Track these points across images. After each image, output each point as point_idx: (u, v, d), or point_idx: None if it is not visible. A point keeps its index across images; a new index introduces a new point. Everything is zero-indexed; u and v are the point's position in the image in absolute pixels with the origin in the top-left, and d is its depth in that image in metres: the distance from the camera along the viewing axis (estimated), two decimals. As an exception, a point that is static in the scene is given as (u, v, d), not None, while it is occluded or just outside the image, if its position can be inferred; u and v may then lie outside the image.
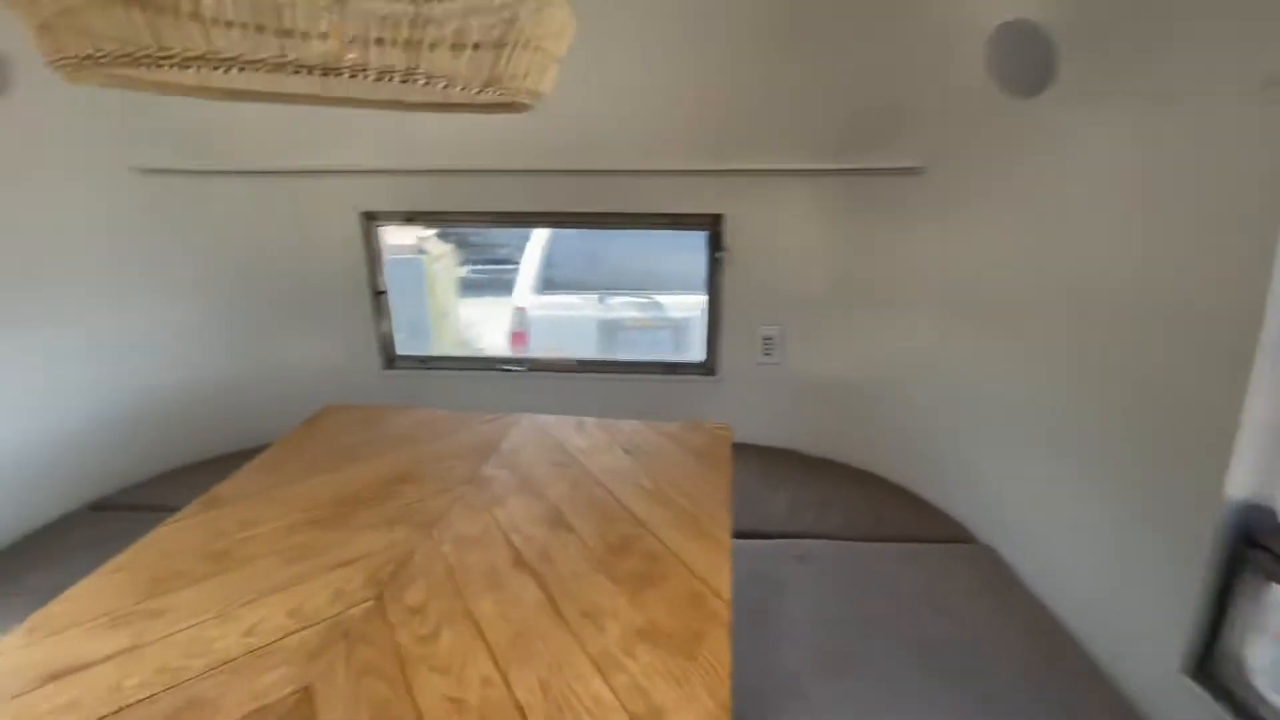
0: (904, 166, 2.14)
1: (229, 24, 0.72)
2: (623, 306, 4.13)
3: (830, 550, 1.95)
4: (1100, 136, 1.54)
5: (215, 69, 0.71)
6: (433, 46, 0.80)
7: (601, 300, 4.13)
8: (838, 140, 2.21)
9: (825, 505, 2.21)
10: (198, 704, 0.94)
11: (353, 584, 1.18)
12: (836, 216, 2.37)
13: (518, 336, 4.11)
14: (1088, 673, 1.53)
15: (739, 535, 1.91)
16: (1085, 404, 1.63)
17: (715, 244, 2.48)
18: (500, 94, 0.91)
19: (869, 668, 1.53)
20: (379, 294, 2.63)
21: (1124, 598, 1.51)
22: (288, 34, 0.74)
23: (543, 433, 1.75)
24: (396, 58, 0.78)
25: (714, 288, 2.54)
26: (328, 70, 0.75)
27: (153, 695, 0.95)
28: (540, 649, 1.04)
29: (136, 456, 2.34)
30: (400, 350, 2.77)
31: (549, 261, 4.24)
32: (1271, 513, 1.22)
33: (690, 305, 3.94)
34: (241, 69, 0.72)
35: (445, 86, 0.83)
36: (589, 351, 3.95)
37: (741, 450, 2.41)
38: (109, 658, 1.02)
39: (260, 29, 0.73)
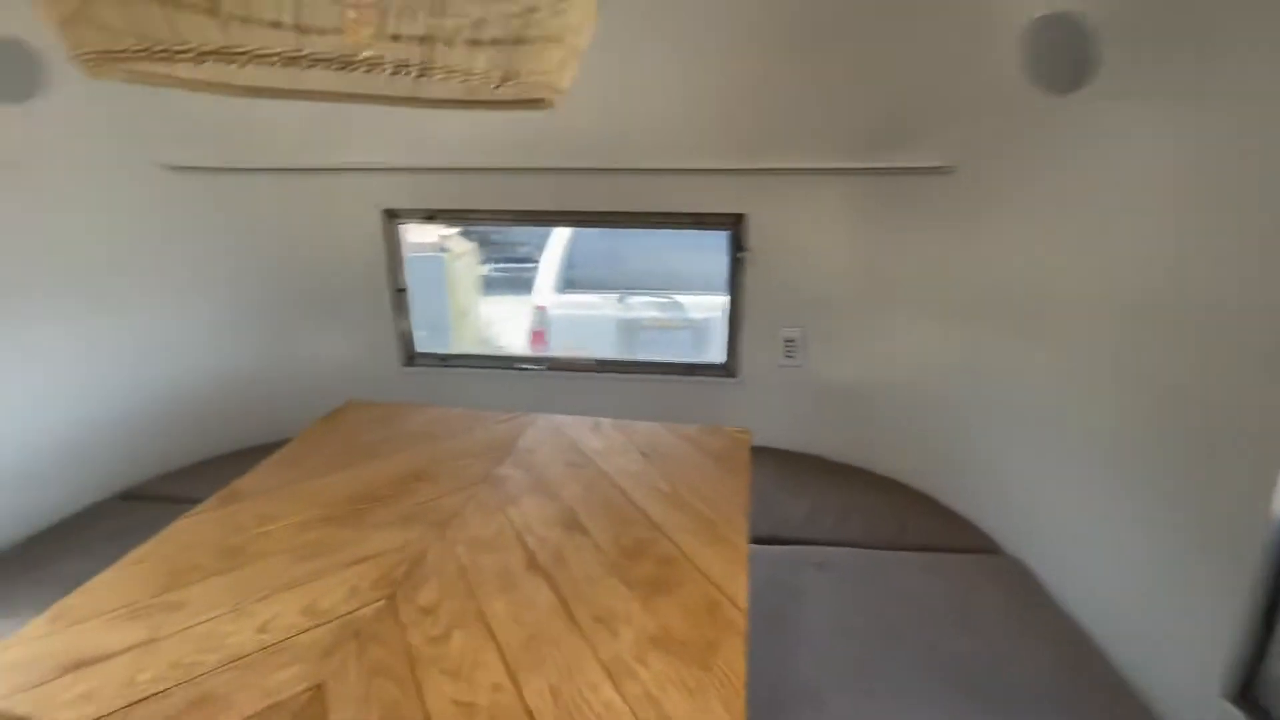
0: (933, 165, 2.08)
1: (245, 19, 0.72)
2: (643, 306, 4.11)
3: (851, 558, 1.91)
4: (1141, 135, 1.47)
5: (230, 63, 0.71)
6: (449, 42, 0.79)
7: (622, 300, 4.12)
8: (864, 139, 2.16)
9: (847, 512, 2.17)
10: (210, 700, 0.94)
11: (366, 582, 1.18)
12: (862, 216, 2.31)
13: (537, 335, 4.12)
14: (1119, 694, 1.47)
15: (757, 540, 1.88)
16: (1121, 412, 1.56)
17: (737, 244, 2.45)
18: (520, 89, 0.89)
19: (889, 681, 1.48)
20: (399, 291, 2.65)
21: (1161, 616, 1.44)
22: (303, 29, 0.73)
23: (558, 433, 1.74)
24: (412, 52, 0.76)
25: (735, 288, 2.51)
26: (343, 64, 0.74)
27: (166, 690, 0.95)
28: (552, 653, 1.02)
29: (166, 448, 2.38)
30: (420, 348, 2.78)
31: (570, 260, 4.24)
32: (1323, 532, 1.16)
33: (711, 306, 3.91)
34: (256, 63, 0.71)
35: (463, 80, 0.82)
36: (609, 351, 3.94)
37: (761, 454, 2.37)
38: (125, 650, 1.03)
39: (276, 25, 0.73)
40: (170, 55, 0.71)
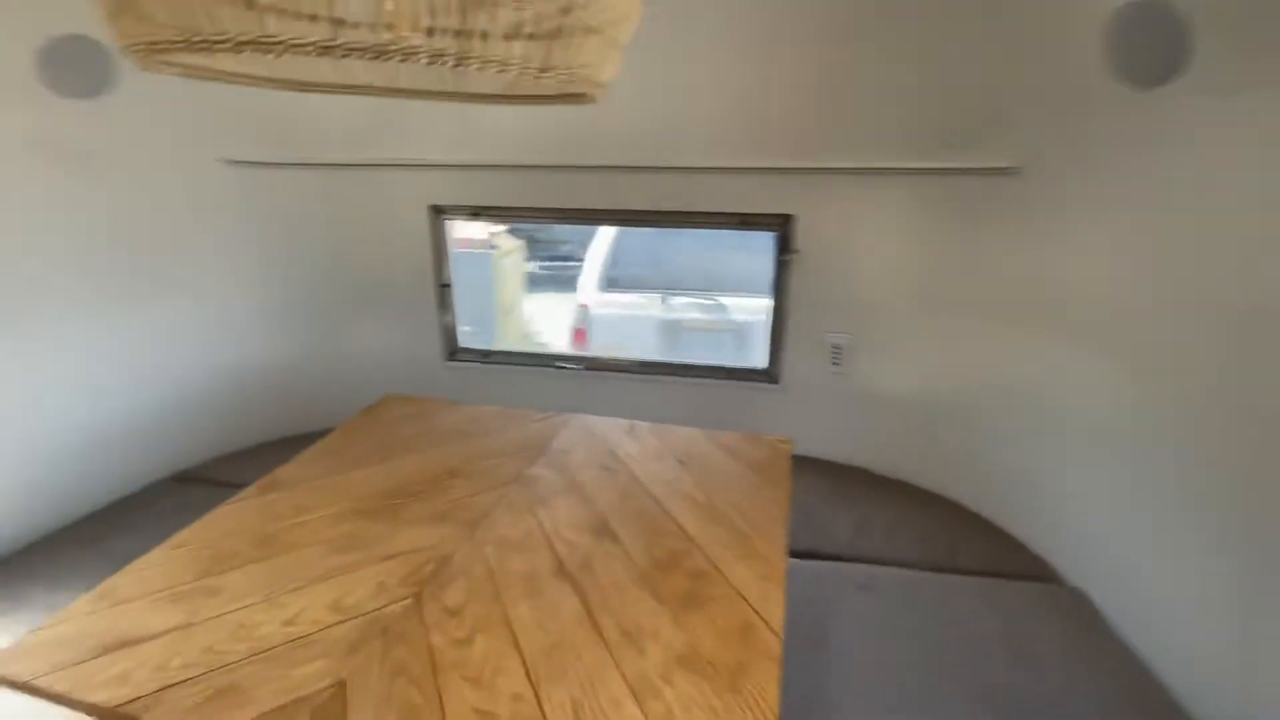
0: (997, 166, 1.96)
1: (282, 11, 0.71)
2: (685, 307, 4.05)
3: (896, 579, 1.81)
4: (1237, 132, 1.33)
5: (267, 53, 0.70)
6: (485, 35, 0.77)
7: (664, 300, 4.07)
8: (922, 138, 2.05)
9: (893, 529, 2.06)
10: (236, 690, 0.94)
11: (394, 579, 1.17)
12: (917, 219, 2.20)
13: (579, 334, 4.11)
14: (1193, 744, 1.34)
15: (796, 554, 1.81)
16: (1203, 436, 1.43)
17: (784, 245, 2.37)
18: (560, 81, 0.86)
19: (933, 715, 1.39)
20: (444, 287, 2.68)
21: (1247, 661, 1.31)
22: (339, 21, 0.72)
23: (592, 435, 1.71)
24: (448, 42, 0.74)
25: (780, 291, 2.43)
26: (378, 53, 0.72)
27: (195, 677, 0.96)
28: (575, 665, 0.99)
29: (219, 432, 2.47)
30: (463, 343, 2.81)
31: (614, 259, 4.22)
32: None
33: (755, 309, 3.82)
34: (292, 53, 0.70)
35: (500, 71, 0.79)
36: (650, 352, 3.90)
37: (804, 464, 2.30)
38: (162, 634, 1.05)
39: (314, 18, 0.72)
40: (209, 45, 0.71)
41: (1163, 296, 1.54)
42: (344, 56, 0.72)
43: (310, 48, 0.70)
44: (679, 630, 1.06)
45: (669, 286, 4.10)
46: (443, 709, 0.91)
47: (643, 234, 4.28)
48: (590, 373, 2.70)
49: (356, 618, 1.08)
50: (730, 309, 4.00)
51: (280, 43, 0.69)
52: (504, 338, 4.93)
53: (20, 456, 1.89)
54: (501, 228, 5.09)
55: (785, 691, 0.96)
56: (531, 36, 0.79)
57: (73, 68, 1.79)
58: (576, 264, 4.54)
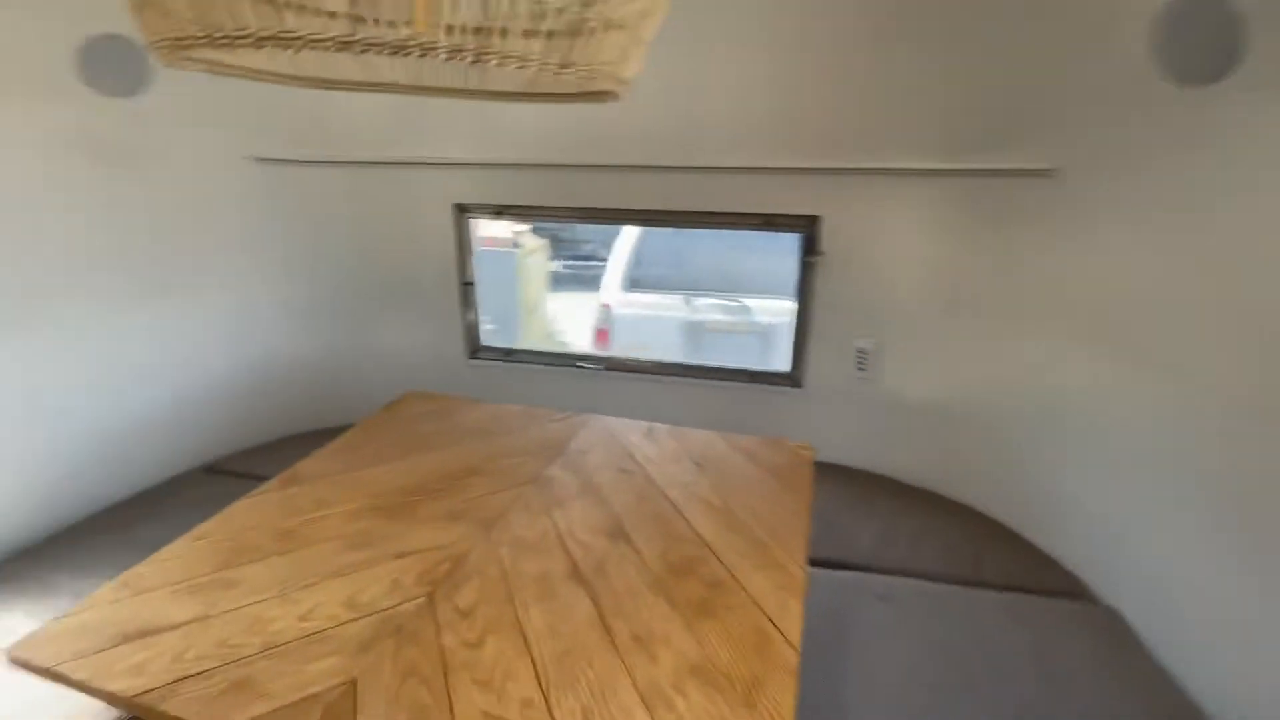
0: (1034, 168, 1.89)
1: (301, 7, 0.71)
2: (708, 308, 4.02)
3: (919, 591, 1.76)
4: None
5: (287, 48, 0.70)
6: (504, 32, 0.76)
7: (687, 301, 4.05)
8: (955, 137, 1.99)
9: (917, 540, 2.01)
10: (248, 685, 0.95)
11: (408, 578, 1.17)
12: (948, 222, 2.14)
13: (601, 334, 4.10)
14: (1236, 778, 1.27)
15: (816, 563, 1.77)
16: (1247, 453, 1.36)
17: (809, 247, 2.32)
18: (581, 77, 0.85)
19: (956, 732, 1.35)
20: (467, 285, 2.69)
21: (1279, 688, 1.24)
22: (359, 19, 0.71)
23: (611, 436, 1.69)
24: (467, 37, 0.73)
25: (805, 294, 2.39)
26: (397, 49, 0.71)
27: (209, 670, 0.97)
28: (586, 671, 0.97)
29: (245, 425, 2.51)
30: (485, 341, 2.82)
31: (637, 259, 4.20)
32: None
33: (778, 311, 3.77)
34: (312, 48, 0.70)
35: (519, 67, 0.78)
36: (672, 353, 3.87)
37: (825, 470, 2.25)
38: (180, 625, 1.06)
39: (332, 15, 0.71)
40: (231, 41, 0.71)
41: (1208, 306, 1.47)
42: (363, 52, 0.71)
43: (329, 43, 0.70)
44: (693, 639, 1.03)
45: (692, 287, 4.07)
46: (452, 711, 0.91)
47: (666, 234, 4.25)
48: (611, 373, 2.68)
49: (370, 615, 1.08)
50: (754, 311, 3.95)
51: (300, 38, 0.69)
52: (527, 336, 4.94)
53: (53, 446, 1.95)
54: (526, 227, 5.11)
55: (801, 705, 0.93)
56: (550, 34, 0.78)
57: (111, 66, 1.83)
58: (600, 263, 4.54)
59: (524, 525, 1.33)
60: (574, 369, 2.72)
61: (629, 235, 4.28)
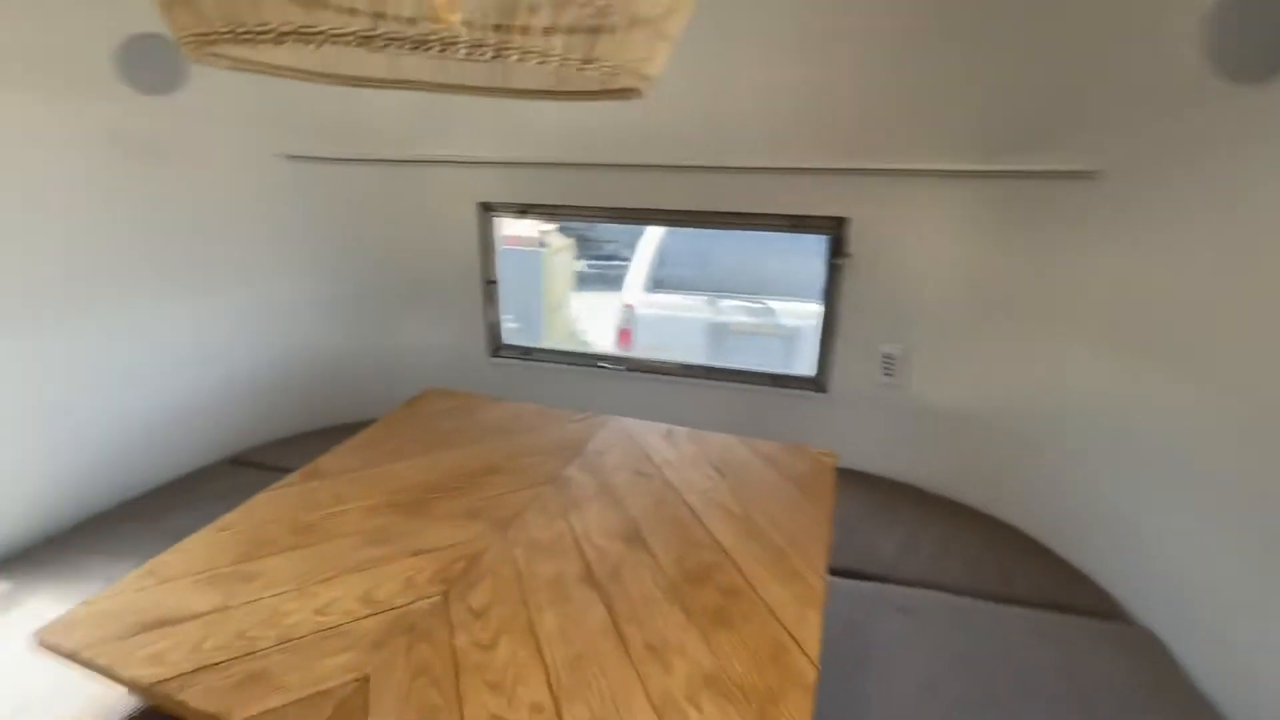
0: (1074, 170, 1.82)
1: (324, 4, 0.71)
2: (732, 310, 3.98)
3: (943, 605, 1.71)
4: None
5: (308, 43, 0.69)
6: (525, 29, 0.75)
7: (711, 302, 4.01)
8: (990, 138, 1.93)
9: (942, 551, 1.95)
10: (264, 677, 0.95)
11: (423, 576, 1.17)
12: (981, 224, 2.08)
13: (624, 334, 4.09)
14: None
15: (836, 572, 1.73)
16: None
17: (836, 249, 2.28)
18: (605, 74, 0.83)
19: (980, 754, 1.30)
20: (490, 283, 2.70)
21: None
22: (380, 15, 0.71)
23: (629, 438, 1.68)
24: (488, 33, 0.72)
25: (831, 297, 2.34)
26: (418, 44, 0.71)
27: (226, 661, 0.97)
28: (598, 679, 0.96)
29: (271, 419, 2.56)
30: (507, 340, 2.83)
31: (661, 259, 4.18)
32: None
33: (803, 314, 3.72)
34: (333, 43, 0.70)
35: (540, 62, 0.77)
36: (695, 354, 3.85)
37: (849, 477, 2.21)
38: (200, 615, 1.07)
39: (354, 12, 0.71)
40: (254, 37, 0.71)
41: (1260, 315, 1.40)
42: (384, 47, 0.70)
43: (350, 38, 0.70)
44: (708, 649, 1.01)
45: (716, 288, 4.03)
46: (462, 713, 0.90)
47: (690, 234, 4.22)
48: (632, 374, 2.67)
49: (385, 612, 1.08)
50: (779, 313, 3.90)
51: (321, 33, 0.69)
52: (551, 334, 4.96)
53: (85, 435, 2.00)
54: (552, 226, 5.12)
55: (817, 718, 0.91)
56: (571, 30, 0.76)
57: (148, 65, 1.88)
58: (623, 263, 4.53)
59: (540, 526, 1.32)
60: (595, 369, 2.71)
61: (653, 235, 4.26)
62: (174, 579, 1.17)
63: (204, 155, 2.18)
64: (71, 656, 1.01)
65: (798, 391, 2.46)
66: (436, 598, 1.12)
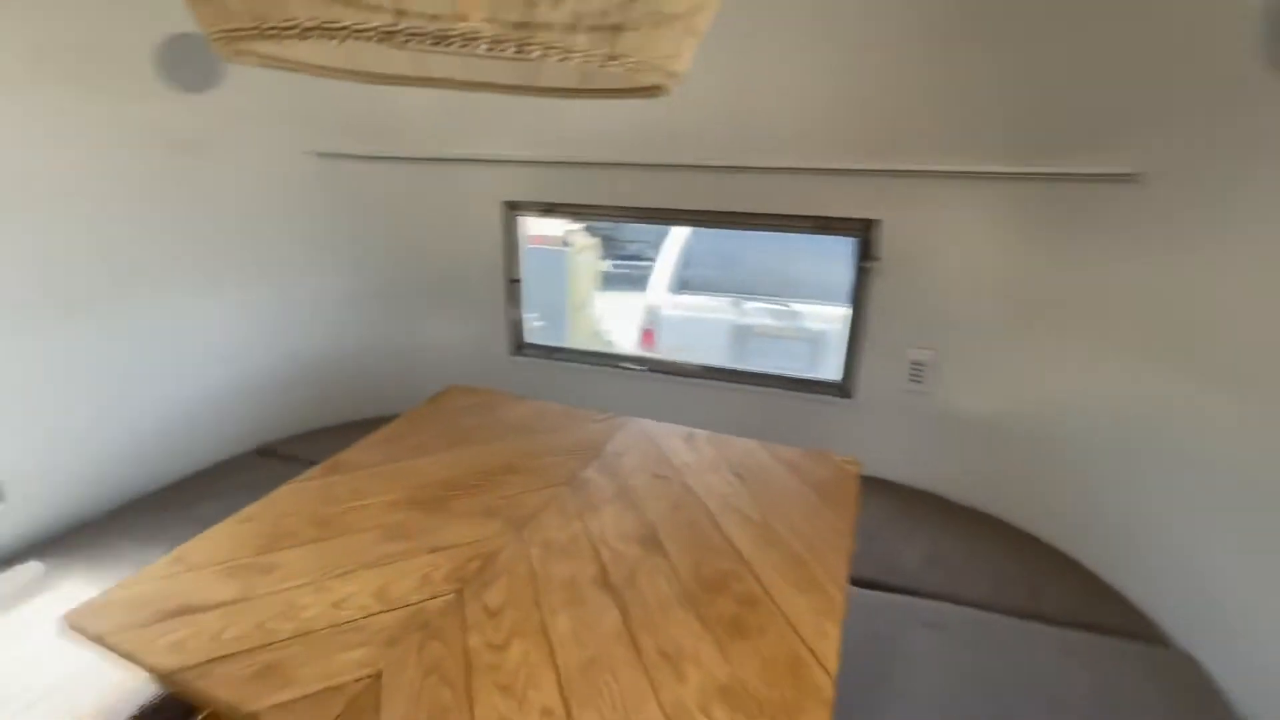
0: (1114, 173, 1.75)
1: (348, 2, 0.71)
2: (757, 312, 3.93)
3: (970, 620, 1.66)
4: None
5: (331, 39, 0.69)
6: (547, 25, 0.74)
7: (735, 304, 3.98)
8: (1026, 139, 1.87)
9: (968, 564, 1.90)
10: (278, 670, 0.96)
11: (439, 573, 1.17)
12: (1016, 228, 2.02)
13: (648, 334, 4.08)
14: None
15: (857, 583, 1.69)
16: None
17: (865, 252, 2.23)
18: (628, 69, 0.82)
19: (1005, 777, 1.26)
20: (514, 282, 2.71)
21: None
22: (402, 11, 0.70)
23: (649, 440, 1.66)
24: (509, 29, 0.71)
25: (859, 300, 2.29)
26: (439, 39, 0.70)
27: (243, 652, 0.98)
28: (610, 685, 0.94)
29: (298, 411, 2.60)
30: (530, 338, 2.83)
31: (686, 260, 4.16)
32: None
33: (829, 317, 3.66)
34: (355, 38, 0.69)
35: (562, 59, 0.76)
36: (718, 356, 3.81)
37: (873, 485, 2.16)
38: (220, 605, 1.09)
39: (376, 8, 0.71)
40: (278, 33, 0.71)
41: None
42: (406, 42, 0.70)
43: (372, 33, 0.69)
44: (723, 659, 0.99)
45: (741, 290, 3.99)
46: (472, 714, 0.89)
47: (715, 235, 4.19)
48: (654, 375, 2.65)
49: (399, 608, 1.08)
50: (804, 316, 3.85)
51: (344, 28, 0.69)
52: (575, 334, 4.96)
53: (121, 425, 2.05)
54: (578, 225, 5.13)
55: (835, 739, 0.88)
56: (595, 26, 0.75)
57: (187, 63, 1.92)
58: (648, 263, 4.51)
59: (557, 527, 1.31)
60: (617, 369, 2.70)
61: (678, 236, 4.24)
62: (198, 568, 1.19)
63: (238, 152, 2.22)
64: (98, 640, 1.03)
65: (822, 396, 2.42)
66: (451, 596, 1.11)
